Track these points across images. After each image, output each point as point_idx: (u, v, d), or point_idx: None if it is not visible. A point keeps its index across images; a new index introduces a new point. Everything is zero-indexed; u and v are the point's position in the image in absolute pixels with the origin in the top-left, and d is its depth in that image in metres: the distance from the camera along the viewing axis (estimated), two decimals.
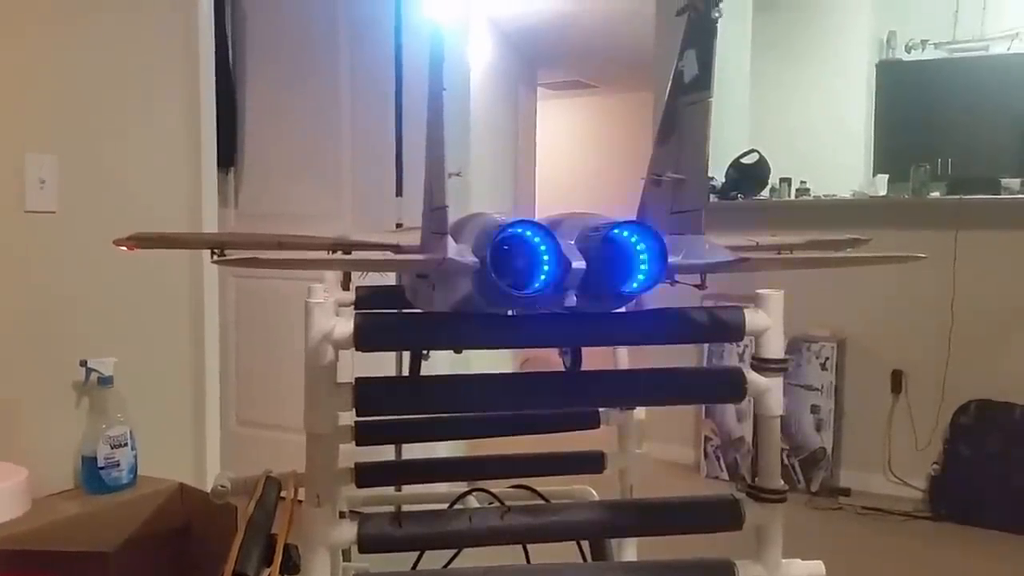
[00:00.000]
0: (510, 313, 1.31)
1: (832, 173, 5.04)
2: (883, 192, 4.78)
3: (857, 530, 4.18)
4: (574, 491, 2.25)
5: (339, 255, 1.40)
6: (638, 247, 1.23)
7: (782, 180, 4.93)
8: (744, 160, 4.91)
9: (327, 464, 1.37)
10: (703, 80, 1.19)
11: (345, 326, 1.30)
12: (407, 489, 2.58)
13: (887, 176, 4.80)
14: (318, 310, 1.31)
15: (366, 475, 1.95)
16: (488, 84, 6.75)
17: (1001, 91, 5.08)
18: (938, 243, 4.40)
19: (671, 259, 1.21)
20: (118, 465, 2.58)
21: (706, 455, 4.97)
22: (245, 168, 4.29)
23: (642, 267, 1.23)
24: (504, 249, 1.19)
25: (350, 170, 4.02)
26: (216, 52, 3.31)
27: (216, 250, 1.31)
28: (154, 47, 2.97)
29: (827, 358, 4.60)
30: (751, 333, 1.44)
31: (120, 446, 2.58)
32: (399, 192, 3.87)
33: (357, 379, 1.34)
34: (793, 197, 4.92)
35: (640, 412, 2.14)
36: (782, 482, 1.49)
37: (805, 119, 5.31)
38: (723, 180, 4.95)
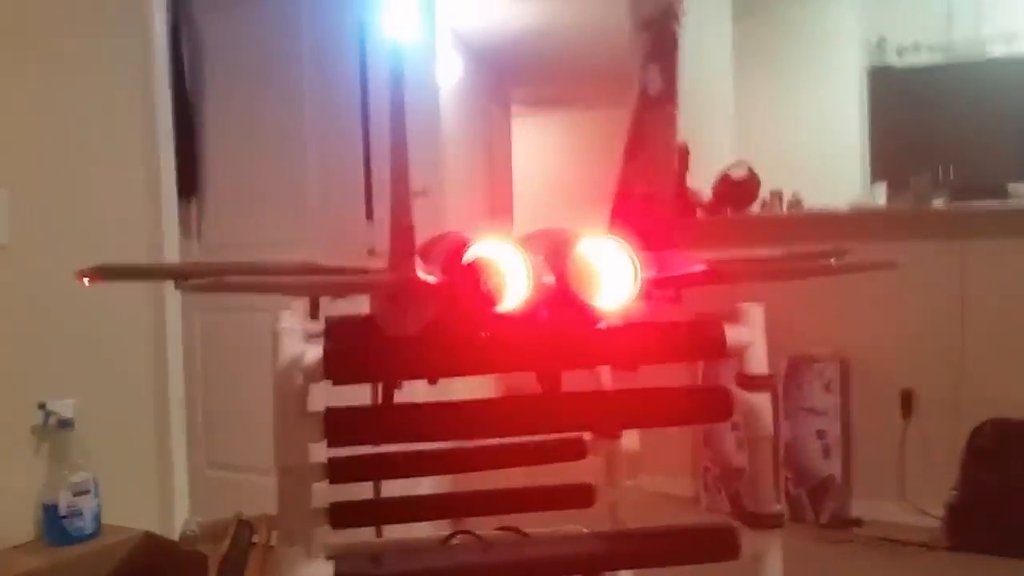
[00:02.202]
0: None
1: (826, 184, 5.11)
2: (882, 202, 4.86)
3: (871, 563, 4.21)
4: (563, 531, 2.29)
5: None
6: (609, 261, 1.31)
7: (773, 193, 5.00)
8: (732, 173, 4.98)
9: (299, 500, 1.43)
10: (668, 93, 1.28)
11: (315, 352, 1.37)
12: (387, 530, 2.63)
13: (884, 184, 4.87)
14: (286, 336, 1.38)
15: (342, 515, 1.99)
16: (459, 102, 6.86)
17: (1000, 94, 5.20)
18: (943, 254, 4.49)
19: (644, 274, 1.29)
20: (81, 514, 2.63)
21: (706, 487, 5.01)
22: (208, 197, 4.36)
23: (614, 281, 1.31)
24: (471, 267, 1.27)
25: (318, 195, 4.09)
26: (173, 81, 3.40)
27: (178, 280, 1.37)
28: (107, 74, 3.06)
29: (830, 379, 4.65)
30: (733, 348, 1.50)
31: (83, 493, 2.64)
32: (369, 215, 3.93)
33: (327, 409, 1.40)
34: (785, 211, 5.00)
35: (632, 441, 2.19)
36: (778, 506, 1.55)
37: (795, 128, 5.40)
38: (710, 195, 5.01)
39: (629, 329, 1.45)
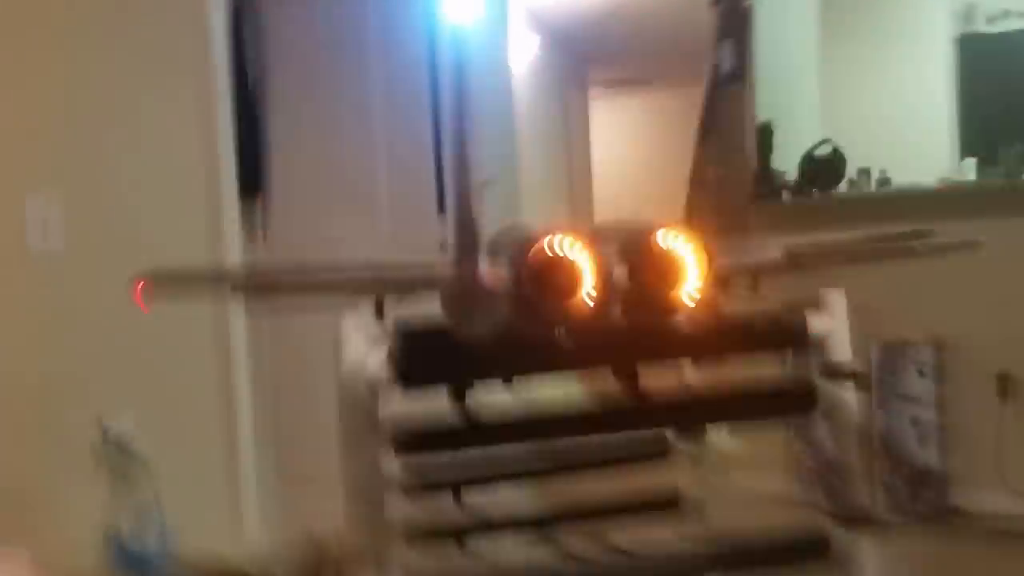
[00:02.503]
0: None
1: (915, 160, 4.96)
2: (972, 177, 4.72)
3: (975, 554, 4.09)
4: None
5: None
6: (682, 251, 1.27)
7: (860, 171, 4.89)
8: (817, 152, 4.89)
9: (370, 517, 1.40)
10: (740, 71, 1.23)
11: (379, 357, 1.34)
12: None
13: (975, 160, 4.73)
14: (350, 340, 1.35)
15: (419, 533, 1.96)
16: (534, 84, 6.79)
17: None
18: None
19: (719, 262, 1.25)
20: (148, 539, 2.54)
21: (800, 481, 4.89)
22: (273, 195, 4.30)
23: (689, 272, 1.27)
24: (539, 262, 1.23)
25: (386, 189, 4.06)
26: (235, 74, 3.33)
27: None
28: (163, 73, 3.00)
29: (925, 364, 4.54)
30: (815, 337, 1.46)
31: (149, 516, 2.54)
32: (442, 209, 3.89)
33: (397, 417, 1.38)
34: (874, 189, 4.89)
35: (719, 437, 2.14)
36: (868, 501, 1.49)
37: (882, 103, 5.25)
38: (796, 175, 4.92)
39: (707, 321, 1.41)
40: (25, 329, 2.54)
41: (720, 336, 1.42)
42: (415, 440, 1.39)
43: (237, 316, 3.13)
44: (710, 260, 1.22)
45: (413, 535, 1.91)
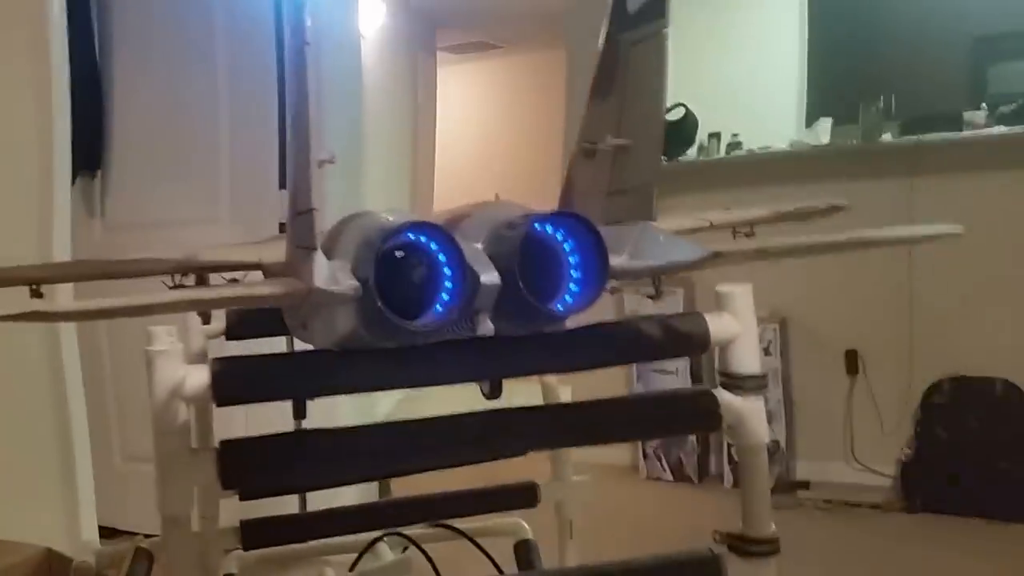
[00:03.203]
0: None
1: (768, 122, 4.84)
2: (826, 140, 4.60)
3: (822, 527, 4.03)
4: (504, 526, 2.07)
5: (183, 286, 1.16)
6: (566, 247, 1.01)
7: (711, 136, 4.76)
8: (668, 117, 4.72)
9: (187, 550, 1.14)
10: (655, 6, 0.96)
11: (199, 376, 1.07)
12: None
13: (829, 121, 4.62)
14: (161, 360, 1.08)
15: (255, 534, 1.72)
16: (382, 52, 6.45)
17: (951, 14, 4.90)
18: (893, 194, 4.24)
19: (614, 261, 0.99)
20: None
21: (645, 455, 4.79)
22: (113, 172, 4.02)
23: (574, 274, 1.01)
24: (392, 265, 0.96)
25: (228, 165, 3.78)
26: (79, 50, 3.18)
27: (34, 287, 1.08)
28: None
29: (769, 341, 4.44)
30: (718, 343, 1.22)
31: None
32: (283, 185, 3.61)
33: (221, 443, 1.10)
34: (724, 154, 4.75)
35: None
36: (774, 527, 1.28)
37: (732, 64, 5.10)
38: None
39: (590, 331, 1.15)
40: None
41: (606, 347, 1.17)
42: (242, 474, 1.11)
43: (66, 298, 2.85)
44: (603, 260, 0.96)
45: (248, 539, 1.70)
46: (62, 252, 2.93)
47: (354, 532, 1.89)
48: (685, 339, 1.20)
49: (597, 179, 1.04)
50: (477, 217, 1.10)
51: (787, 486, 4.42)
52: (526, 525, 2.07)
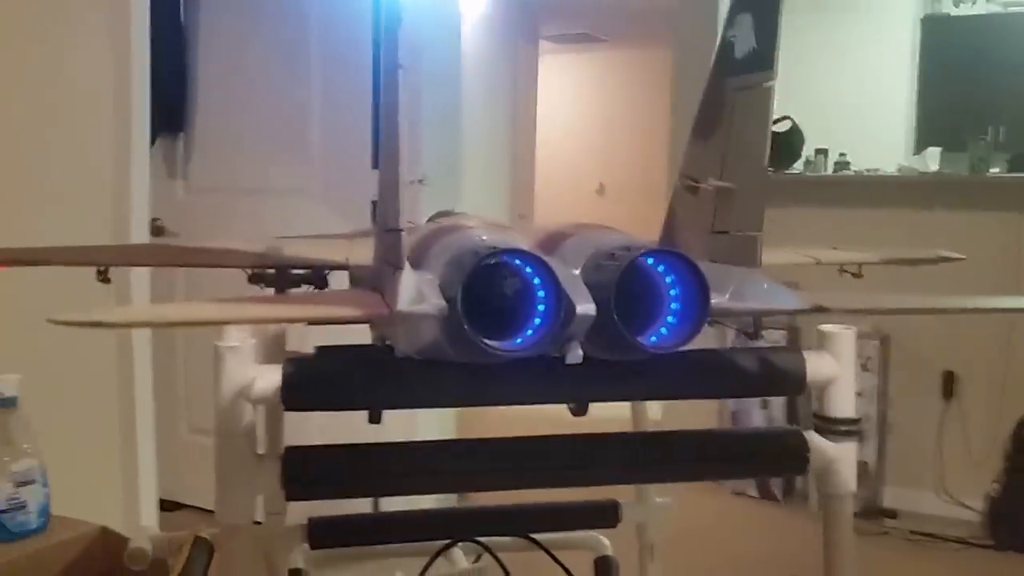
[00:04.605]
0: None
1: (873, 144, 4.73)
2: (935, 168, 4.49)
3: (906, 559, 3.94)
4: (583, 540, 2.03)
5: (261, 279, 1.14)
6: (667, 280, 0.97)
7: (818, 152, 4.65)
8: (775, 128, 4.62)
9: (246, 559, 1.12)
10: (763, 56, 0.92)
11: (269, 378, 1.05)
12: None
13: (940, 149, 4.50)
14: (231, 356, 1.05)
15: (323, 533, 1.70)
16: (483, 39, 6.43)
17: None
18: (1000, 226, 4.15)
19: (715, 299, 0.95)
20: (25, 507, 2.31)
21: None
22: (197, 135, 4.01)
23: (672, 307, 0.98)
24: (483, 281, 0.93)
25: (320, 138, 3.75)
26: (164, 10, 3.16)
27: (101, 270, 1.06)
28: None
29: (869, 358, 4.32)
30: (814, 384, 1.18)
31: (27, 483, 2.32)
32: (375, 164, 3.59)
33: (287, 450, 1.08)
34: (831, 171, 4.64)
35: None
36: None
37: (843, 82, 4.98)
38: None
39: (686, 361, 1.11)
40: None
41: (695, 379, 1.14)
42: (302, 478, 1.09)
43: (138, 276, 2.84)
44: (704, 301, 0.92)
45: (315, 538, 1.67)
46: (140, 215, 2.90)
47: (426, 539, 1.86)
48: (780, 377, 1.16)
49: (700, 216, 1.01)
50: (577, 240, 1.06)
51: (874, 512, 4.31)
52: (606, 541, 2.01)
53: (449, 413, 3.72)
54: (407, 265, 0.92)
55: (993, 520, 4.07)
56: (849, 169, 4.59)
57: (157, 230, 3.70)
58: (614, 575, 1.97)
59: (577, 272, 0.99)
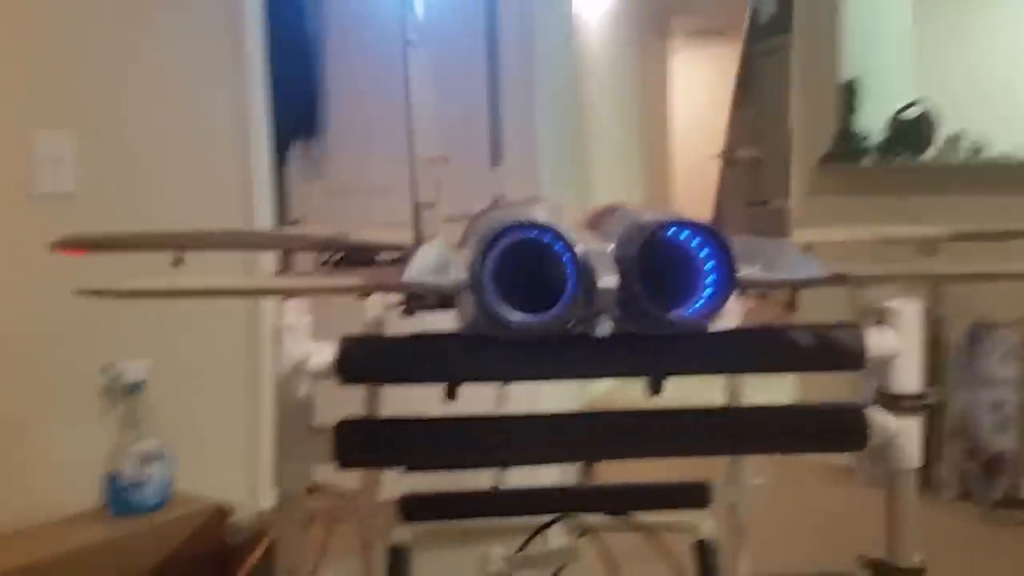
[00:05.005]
0: None
1: (1010, 129, 4.55)
2: None
3: None
4: (684, 523, 2.00)
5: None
6: (701, 254, 0.97)
7: (951, 138, 4.48)
8: (906, 114, 4.50)
9: (298, 535, 1.16)
10: (782, 18, 0.91)
11: (324, 354, 1.09)
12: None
13: None
14: (288, 334, 1.10)
15: (417, 508, 1.73)
16: (611, 33, 6.40)
17: None
18: None
19: (743, 271, 0.94)
20: (148, 484, 2.43)
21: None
22: (331, 137, 4.12)
23: (707, 281, 0.97)
24: (506, 260, 0.95)
25: (443, 136, 3.78)
26: (290, 15, 3.29)
27: (176, 254, 1.11)
28: (191, 6, 2.81)
29: (1011, 347, 4.17)
30: (876, 360, 1.15)
31: (152, 460, 2.44)
32: (496, 161, 3.63)
33: (339, 423, 1.12)
34: (962, 158, 4.48)
35: None
36: (919, 558, 1.20)
37: (979, 66, 4.83)
38: (882, 137, 4.54)
39: (737, 336, 1.11)
40: (30, 269, 2.33)
41: (743, 354, 1.13)
42: (355, 448, 1.12)
43: (265, 256, 2.92)
44: (729, 272, 0.92)
45: (408, 511, 1.69)
46: (264, 217, 2.99)
47: (518, 515, 1.88)
48: (838, 352, 1.14)
49: (738, 188, 1.00)
50: (619, 215, 1.07)
51: (1013, 503, 4.15)
52: (707, 523, 1.99)
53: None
54: (437, 240, 0.94)
55: None
56: (984, 154, 4.43)
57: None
58: (712, 559, 1.95)
59: (611, 247, 0.99)
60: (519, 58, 3.62)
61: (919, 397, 1.18)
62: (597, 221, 1.07)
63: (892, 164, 4.48)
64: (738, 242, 0.95)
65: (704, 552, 1.97)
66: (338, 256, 1.27)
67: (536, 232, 0.93)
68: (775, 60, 0.92)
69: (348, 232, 1.29)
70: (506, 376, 1.16)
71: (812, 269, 0.92)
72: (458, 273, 0.93)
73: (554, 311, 0.93)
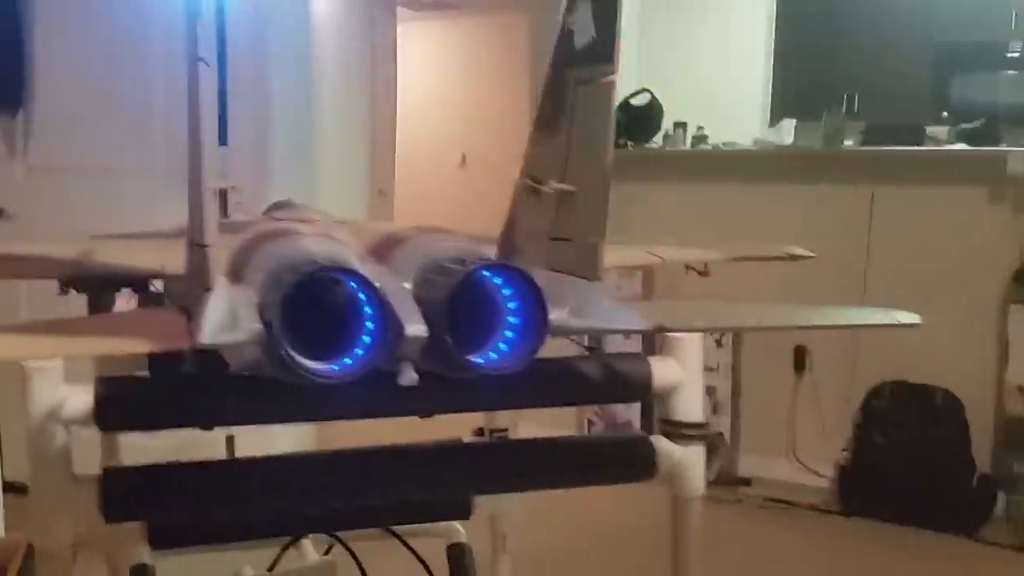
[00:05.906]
0: None
1: (732, 118, 4.73)
2: (789, 140, 4.51)
3: (760, 525, 4.01)
4: (438, 529, 1.96)
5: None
6: (505, 292, 0.91)
7: (676, 125, 4.63)
8: (633, 101, 4.60)
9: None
10: (604, 48, 0.86)
11: (80, 399, 0.96)
12: None
13: (794, 122, 4.53)
14: (38, 377, 0.96)
15: (165, 534, 1.60)
16: (336, 9, 6.23)
17: (918, 18, 4.82)
18: (854, 200, 4.19)
19: (554, 315, 0.89)
20: None
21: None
22: (36, 112, 3.84)
23: (511, 320, 0.92)
24: (304, 304, 0.86)
25: (163, 115, 3.59)
26: None
27: None
28: None
29: (722, 335, 4.35)
30: (660, 390, 1.14)
31: None
32: (223, 140, 3.47)
33: (104, 471, 1.00)
34: (689, 145, 4.63)
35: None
36: None
37: (700, 55, 4.98)
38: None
39: (521, 373, 1.06)
40: None
41: (536, 390, 1.08)
42: (123, 500, 1.01)
43: None
44: (542, 318, 0.87)
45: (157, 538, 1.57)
46: None
47: (275, 536, 1.78)
48: (625, 383, 1.12)
49: (540, 220, 0.94)
50: (411, 247, 0.99)
51: (729, 480, 4.36)
52: (461, 528, 1.96)
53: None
54: (220, 284, 0.84)
55: (842, 487, 4.16)
56: (707, 143, 4.59)
57: None
58: (467, 561, 1.93)
59: (408, 285, 0.92)
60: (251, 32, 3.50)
61: (701, 426, 1.17)
62: (383, 251, 1.00)
63: (623, 150, 4.56)
64: (542, 278, 0.90)
65: (458, 555, 1.95)
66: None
67: (339, 274, 0.84)
68: (595, 94, 0.87)
69: (93, 249, 1.15)
70: (286, 419, 1.07)
71: (631, 321, 0.88)
72: (249, 322, 0.83)
73: (361, 361, 0.85)
